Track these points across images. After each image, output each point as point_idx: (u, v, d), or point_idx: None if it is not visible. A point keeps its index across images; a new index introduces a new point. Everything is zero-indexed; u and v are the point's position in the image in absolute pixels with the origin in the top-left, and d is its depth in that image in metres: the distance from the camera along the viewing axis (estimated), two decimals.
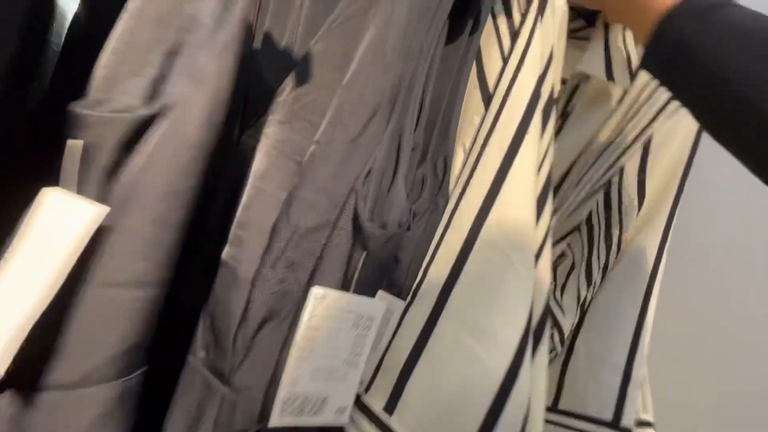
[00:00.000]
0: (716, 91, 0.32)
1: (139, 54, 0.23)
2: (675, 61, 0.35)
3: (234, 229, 0.33)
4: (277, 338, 0.34)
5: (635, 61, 0.50)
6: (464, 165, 0.38)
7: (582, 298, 0.52)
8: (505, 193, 0.35)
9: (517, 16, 0.41)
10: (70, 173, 0.22)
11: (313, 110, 0.37)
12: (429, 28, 0.38)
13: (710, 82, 0.33)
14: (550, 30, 0.41)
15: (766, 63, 0.30)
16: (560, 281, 0.55)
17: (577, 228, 0.55)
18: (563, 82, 0.54)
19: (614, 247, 0.53)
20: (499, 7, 0.42)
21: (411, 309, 0.32)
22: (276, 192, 0.35)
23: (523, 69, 0.39)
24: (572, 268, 0.55)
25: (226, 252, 0.33)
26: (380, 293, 0.32)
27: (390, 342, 0.32)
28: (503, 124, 0.37)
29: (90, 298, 0.22)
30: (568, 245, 0.56)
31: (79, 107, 0.21)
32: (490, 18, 0.42)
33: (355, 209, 0.31)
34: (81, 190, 0.22)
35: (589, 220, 0.55)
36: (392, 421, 0.30)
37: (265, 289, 0.33)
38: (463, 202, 0.35)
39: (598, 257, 0.53)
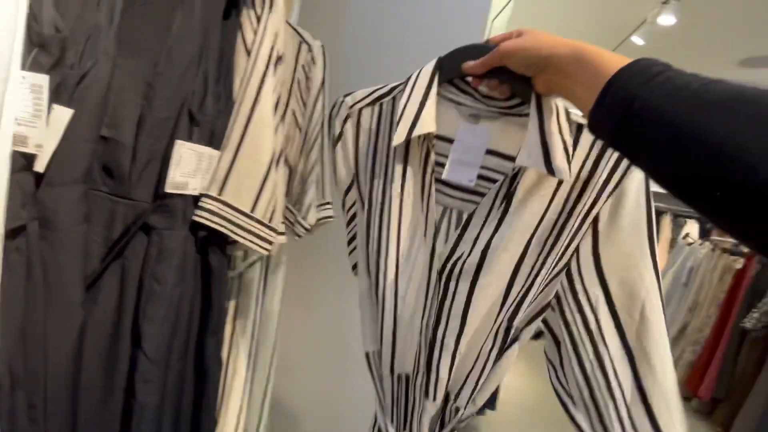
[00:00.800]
0: (684, 144, 0.32)
1: None
2: (630, 119, 0.36)
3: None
4: (156, 169, 0.70)
5: (570, 147, 0.52)
6: (239, 88, 0.78)
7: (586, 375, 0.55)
8: (261, 98, 0.77)
9: (258, 8, 0.81)
10: None
11: (146, 54, 0.70)
12: (215, 14, 0.74)
13: (676, 135, 0.32)
14: (278, 17, 0.81)
15: (730, 114, 0.30)
16: (555, 362, 0.58)
17: (549, 306, 0.58)
18: (507, 157, 0.60)
19: (595, 333, 0.54)
20: (248, 2, 0.80)
21: (224, 152, 0.73)
22: (135, 98, 0.68)
23: (264, 39, 0.79)
24: (558, 343, 0.58)
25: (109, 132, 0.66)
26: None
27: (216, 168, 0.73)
28: (256, 69, 0.78)
29: None
30: (543, 322, 0.59)
31: None
32: (245, 8, 0.80)
33: (190, 110, 0.69)
34: None
35: (559, 301, 0.57)
36: (222, 196, 0.72)
37: (145, 146, 0.68)
38: (241, 107, 0.76)
39: (583, 343, 0.55)
